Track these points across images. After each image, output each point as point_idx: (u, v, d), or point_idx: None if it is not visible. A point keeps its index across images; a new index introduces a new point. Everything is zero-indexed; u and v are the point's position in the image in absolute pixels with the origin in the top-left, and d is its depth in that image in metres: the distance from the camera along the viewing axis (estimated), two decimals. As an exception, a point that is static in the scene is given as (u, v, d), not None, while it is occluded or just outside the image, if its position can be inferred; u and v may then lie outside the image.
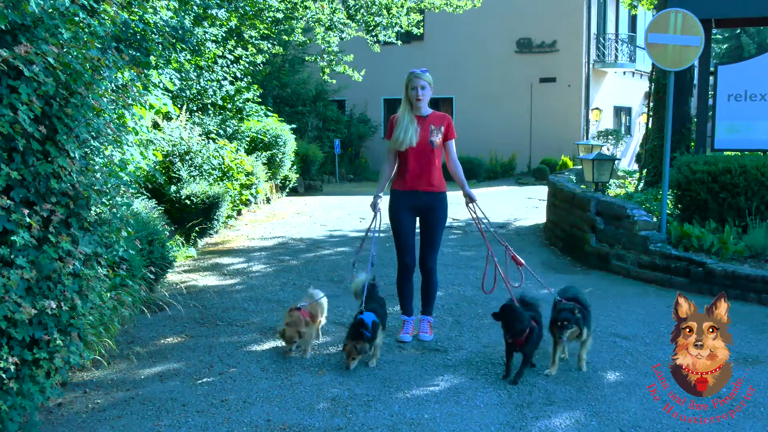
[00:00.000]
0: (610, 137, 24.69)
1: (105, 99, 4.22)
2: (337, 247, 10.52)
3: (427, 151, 5.76)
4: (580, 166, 13.77)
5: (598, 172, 12.08)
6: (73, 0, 4.30)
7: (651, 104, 13.72)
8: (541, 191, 16.47)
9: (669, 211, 9.28)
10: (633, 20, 28.34)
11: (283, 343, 5.63)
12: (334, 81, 19.32)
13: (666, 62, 8.53)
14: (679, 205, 9.18)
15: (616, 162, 13.26)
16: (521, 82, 25.30)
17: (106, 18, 5.66)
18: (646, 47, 8.67)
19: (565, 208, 10.24)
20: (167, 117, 11.14)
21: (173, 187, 10.02)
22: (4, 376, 3.31)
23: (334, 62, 17.39)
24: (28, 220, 3.30)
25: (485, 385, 5.00)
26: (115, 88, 5.51)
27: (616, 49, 26.89)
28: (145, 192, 8.96)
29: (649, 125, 13.54)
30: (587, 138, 24.31)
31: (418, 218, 5.96)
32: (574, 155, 22.22)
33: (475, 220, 6.00)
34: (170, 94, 11.00)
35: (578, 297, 5.42)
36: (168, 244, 7.75)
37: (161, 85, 9.42)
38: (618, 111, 27.94)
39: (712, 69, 10.34)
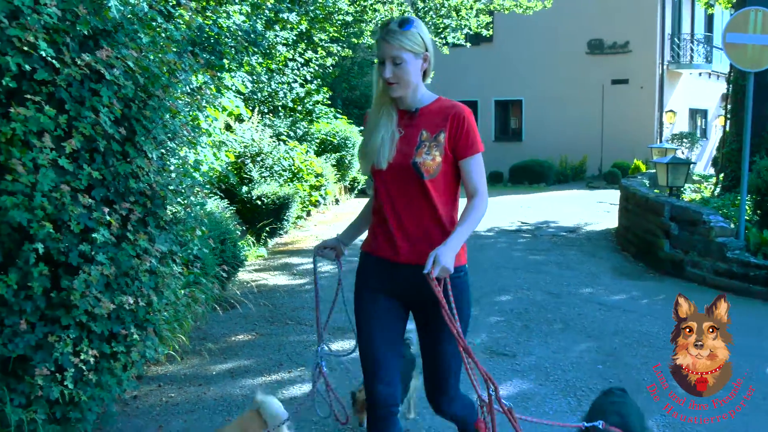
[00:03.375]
0: (684, 140, 24.05)
1: (180, 101, 4.34)
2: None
3: (408, 180, 2.90)
4: (654, 170, 13.46)
5: (672, 176, 11.77)
6: (151, 5, 4.45)
7: (728, 106, 13.30)
8: (613, 195, 16.16)
9: (747, 217, 8.97)
10: (710, 20, 27.52)
11: None
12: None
13: (745, 63, 8.27)
14: (758, 211, 8.87)
15: (691, 166, 12.91)
16: (592, 84, 24.86)
17: (182, 23, 5.82)
18: (723, 47, 8.42)
19: (637, 212, 10.02)
20: (239, 119, 11.36)
21: (245, 188, 10.23)
22: (84, 367, 3.43)
23: (402, 65, 17.42)
24: (108, 218, 3.42)
25: (554, 392, 4.94)
26: (189, 90, 5.66)
27: (692, 49, 26.18)
28: (218, 192, 9.15)
29: (727, 128, 13.14)
30: (661, 141, 23.72)
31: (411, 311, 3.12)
32: (647, 159, 21.71)
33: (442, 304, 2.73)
34: (242, 97, 11.23)
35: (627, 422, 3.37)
36: (239, 243, 7.90)
37: (233, 87, 9.63)
38: (693, 113, 27.20)
39: (794, 69, 9.96)
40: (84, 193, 3.34)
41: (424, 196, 2.91)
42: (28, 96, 3.15)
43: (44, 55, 3.20)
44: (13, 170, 3.02)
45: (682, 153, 22.36)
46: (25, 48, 3.16)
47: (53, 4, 3.30)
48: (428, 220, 2.93)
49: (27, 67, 3.15)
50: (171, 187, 4.09)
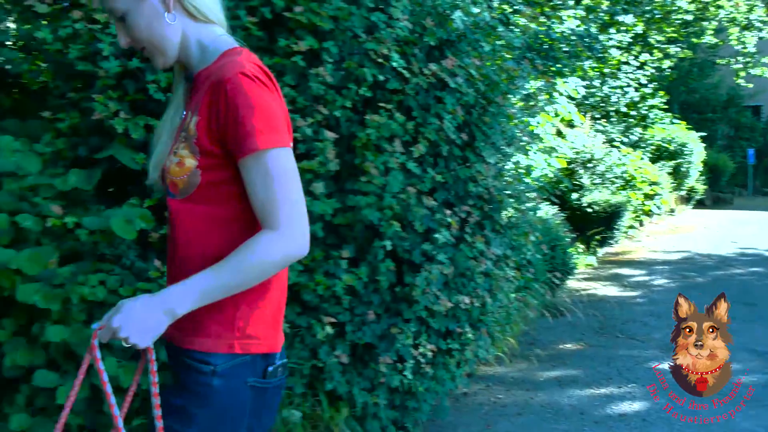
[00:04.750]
0: None
1: (516, 108, 4.40)
2: (749, 267, 9.61)
3: (169, 201, 1.67)
4: None
5: None
6: (492, 15, 4.57)
7: None
8: None
9: None
10: None
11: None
12: (751, 85, 17.70)
13: None
14: None
15: None
16: None
17: (517, 29, 5.91)
18: None
19: None
20: (570, 124, 11.25)
21: (575, 195, 10.10)
22: (422, 360, 3.62)
23: (750, 64, 15.97)
24: (448, 220, 3.58)
25: None
26: (524, 96, 5.73)
27: None
28: (553, 198, 9.16)
29: None
30: None
31: None
32: None
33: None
34: (574, 102, 11.11)
35: None
36: (569, 250, 7.82)
37: (565, 93, 9.56)
38: None
39: None
40: (428, 196, 3.53)
41: (173, 228, 1.66)
42: (381, 104, 3.40)
43: (395, 65, 3.44)
44: (367, 172, 3.28)
45: None
46: (379, 60, 3.42)
47: (404, 18, 3.54)
48: (178, 274, 1.62)
49: (380, 77, 3.41)
50: (507, 192, 4.17)
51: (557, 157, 8.90)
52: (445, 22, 3.88)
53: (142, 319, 1.49)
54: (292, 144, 1.62)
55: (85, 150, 3.15)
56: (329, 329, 3.28)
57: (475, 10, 4.26)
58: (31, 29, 3.34)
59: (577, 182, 10.32)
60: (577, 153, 10.58)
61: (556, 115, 8.88)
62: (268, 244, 1.51)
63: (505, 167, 4.47)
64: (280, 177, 1.52)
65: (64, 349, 2.81)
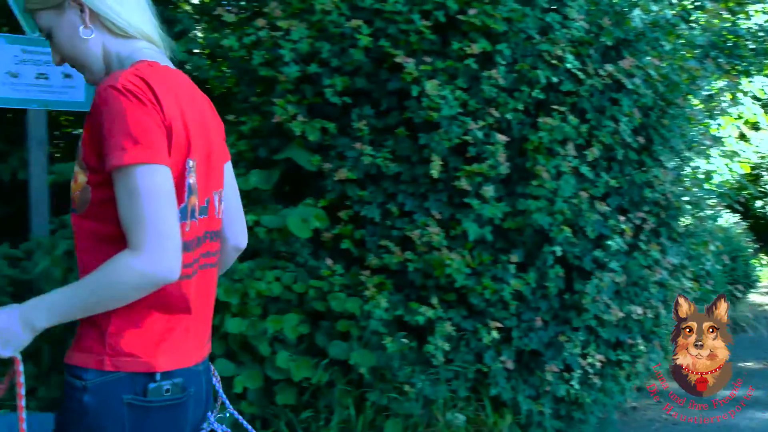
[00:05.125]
0: None
1: (697, 109, 4.19)
2: None
3: (71, 216, 1.61)
4: None
5: None
6: (673, 12, 4.36)
7: None
8: None
9: None
10: None
11: None
12: None
13: None
14: None
15: None
16: None
17: (699, 27, 5.61)
18: None
19: None
20: (755, 127, 10.57)
21: (759, 202, 9.50)
22: (590, 371, 3.52)
23: None
24: (622, 226, 3.46)
25: None
26: (705, 97, 5.43)
27: None
28: (736, 205, 8.69)
29: None
30: None
31: None
32: None
33: None
34: (760, 103, 10.45)
35: None
36: (752, 262, 7.37)
37: (750, 93, 9.01)
38: None
39: None
40: (601, 201, 3.43)
41: (74, 243, 1.63)
42: (554, 106, 3.34)
43: (569, 67, 3.36)
44: (538, 176, 3.22)
45: None
46: (553, 61, 3.35)
47: (580, 18, 3.45)
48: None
49: (554, 79, 3.34)
50: (685, 198, 3.97)
51: (740, 161, 8.41)
52: (623, 21, 3.76)
53: (2, 328, 1.46)
54: (193, 162, 1.53)
55: (265, 151, 3.32)
56: (495, 334, 3.26)
57: (655, 7, 4.08)
58: (218, 37, 3.56)
59: (762, 189, 9.70)
60: (763, 158, 9.94)
61: (740, 116, 8.41)
62: (127, 264, 1.41)
63: (684, 172, 4.27)
64: (146, 195, 1.42)
65: (240, 340, 2.98)
